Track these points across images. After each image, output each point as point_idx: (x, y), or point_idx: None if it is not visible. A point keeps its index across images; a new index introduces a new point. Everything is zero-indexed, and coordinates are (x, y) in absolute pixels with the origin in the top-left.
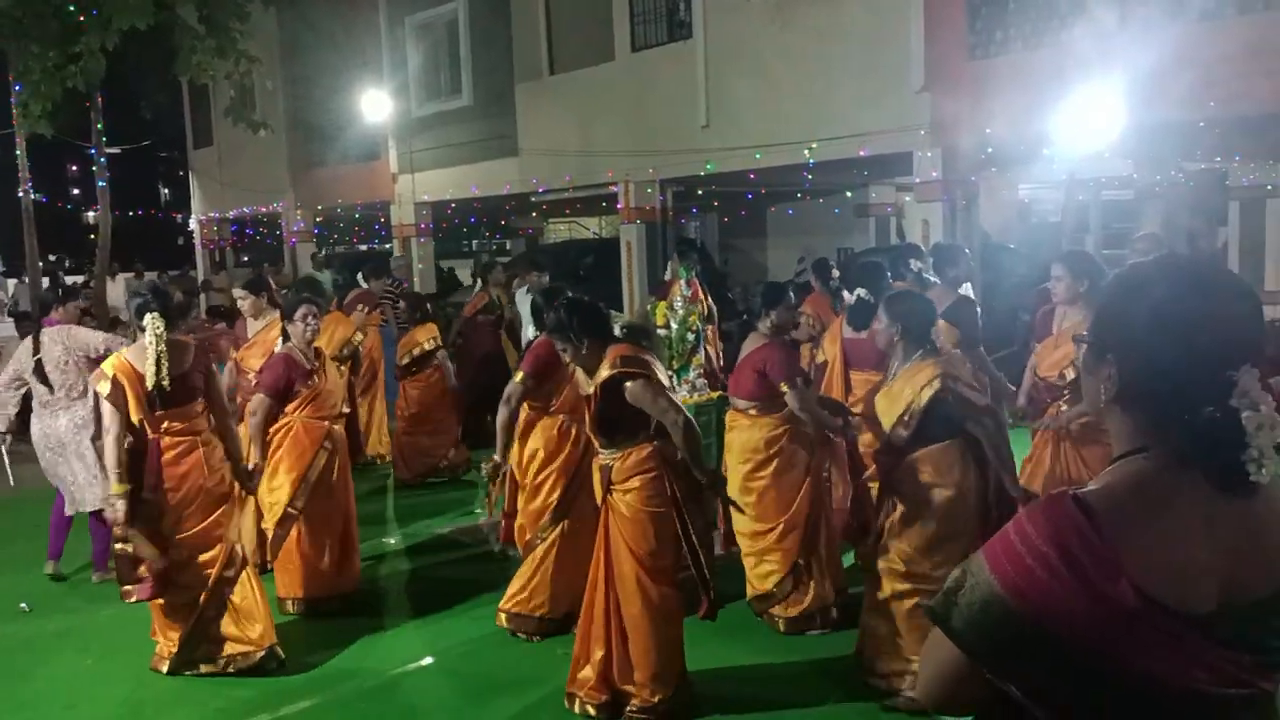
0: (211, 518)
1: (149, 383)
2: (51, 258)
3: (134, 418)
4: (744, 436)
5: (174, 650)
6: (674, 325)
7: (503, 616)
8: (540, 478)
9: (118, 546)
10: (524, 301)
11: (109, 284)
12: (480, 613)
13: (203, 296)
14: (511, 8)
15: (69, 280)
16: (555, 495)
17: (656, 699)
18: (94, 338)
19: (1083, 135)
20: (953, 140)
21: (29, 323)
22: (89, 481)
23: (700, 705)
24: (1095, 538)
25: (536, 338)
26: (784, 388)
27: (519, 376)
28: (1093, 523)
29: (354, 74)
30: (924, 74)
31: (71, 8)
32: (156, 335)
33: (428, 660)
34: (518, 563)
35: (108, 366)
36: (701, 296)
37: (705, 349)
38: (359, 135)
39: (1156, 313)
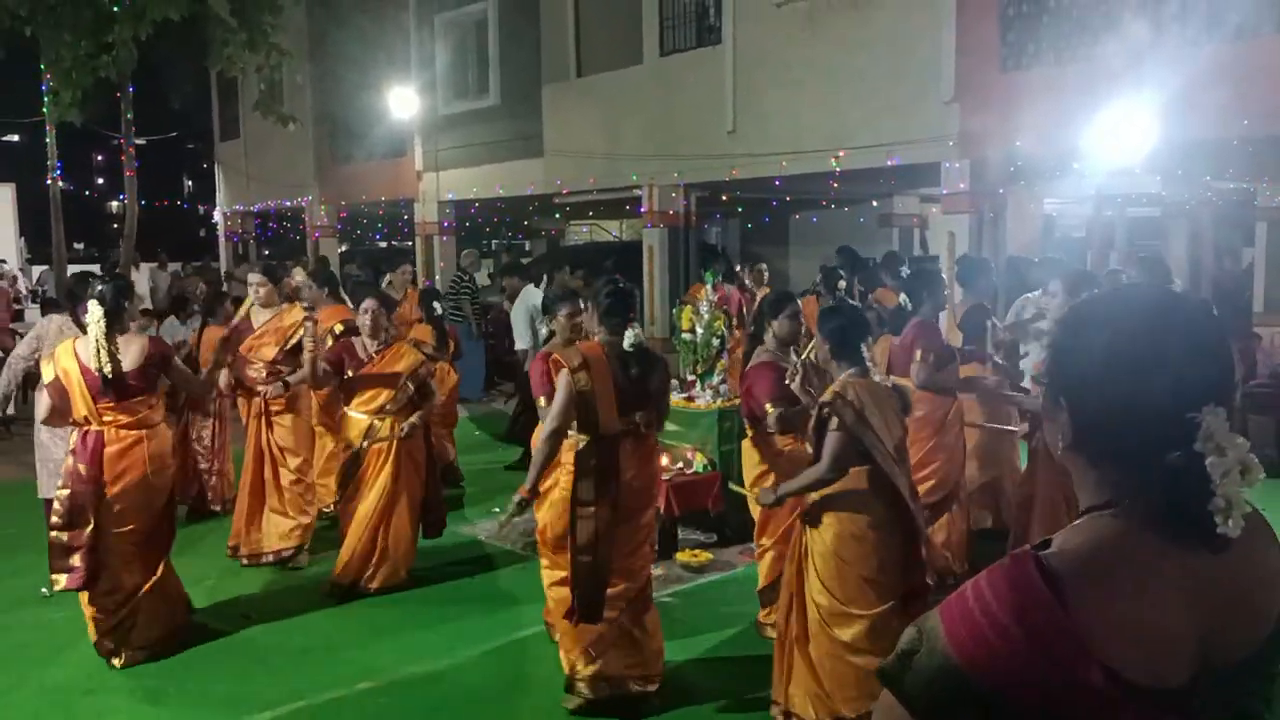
0: (152, 512)
1: (93, 368)
2: (78, 245)
3: (79, 412)
4: (746, 451)
5: (95, 638)
6: (699, 330)
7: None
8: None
9: (52, 534)
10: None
11: (133, 273)
12: (503, 609)
13: (225, 288)
14: (540, 8)
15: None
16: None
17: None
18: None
19: (1112, 151)
20: (981, 152)
21: (55, 309)
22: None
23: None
24: (1060, 611)
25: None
26: (769, 408)
27: (550, 413)
28: (1058, 593)
29: (381, 70)
30: (954, 85)
31: None
32: (95, 322)
33: (454, 656)
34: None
35: (60, 355)
36: (729, 302)
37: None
38: (385, 132)
39: (1109, 351)
